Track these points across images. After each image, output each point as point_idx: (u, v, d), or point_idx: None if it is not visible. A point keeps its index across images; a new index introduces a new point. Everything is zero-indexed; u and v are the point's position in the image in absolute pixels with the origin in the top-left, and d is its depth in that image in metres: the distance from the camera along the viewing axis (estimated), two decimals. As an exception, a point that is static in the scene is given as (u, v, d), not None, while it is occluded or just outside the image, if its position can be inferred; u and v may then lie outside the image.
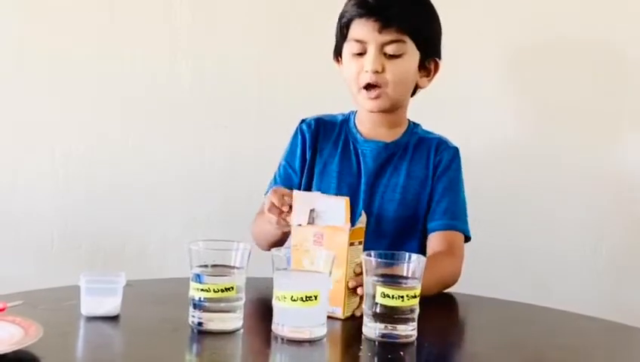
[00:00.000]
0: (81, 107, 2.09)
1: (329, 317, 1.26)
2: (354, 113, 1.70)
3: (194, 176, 2.11)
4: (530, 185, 2.10)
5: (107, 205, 2.10)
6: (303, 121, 1.71)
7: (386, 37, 1.55)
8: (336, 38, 1.66)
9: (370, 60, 1.56)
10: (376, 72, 1.56)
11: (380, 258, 1.21)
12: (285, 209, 1.36)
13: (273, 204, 1.38)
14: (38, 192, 2.09)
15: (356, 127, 1.67)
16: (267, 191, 1.66)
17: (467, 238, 1.61)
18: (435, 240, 1.59)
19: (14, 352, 1.02)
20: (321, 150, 1.67)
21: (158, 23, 2.09)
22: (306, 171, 1.67)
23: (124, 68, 2.09)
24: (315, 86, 2.06)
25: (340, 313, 1.28)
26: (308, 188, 1.66)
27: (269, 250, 1.55)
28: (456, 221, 1.61)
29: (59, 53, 2.07)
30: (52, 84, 2.08)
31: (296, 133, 1.70)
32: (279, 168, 1.71)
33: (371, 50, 1.56)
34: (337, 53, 1.66)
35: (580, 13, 2.04)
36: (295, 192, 1.35)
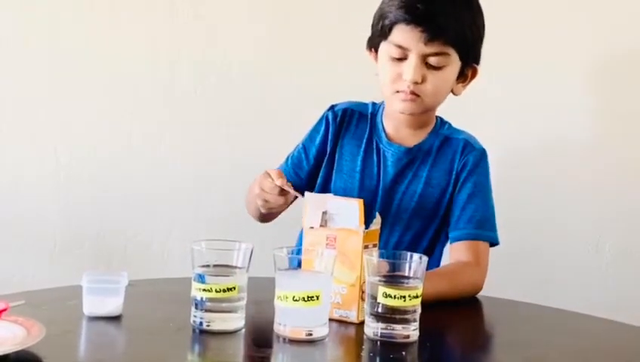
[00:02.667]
0: (83, 107, 2.09)
1: (342, 322, 1.26)
2: (383, 106, 1.64)
3: (196, 176, 2.12)
4: (531, 183, 2.09)
5: (109, 205, 2.10)
6: (331, 107, 1.66)
7: (431, 48, 1.48)
8: (373, 32, 1.57)
9: (410, 70, 1.49)
10: (415, 83, 1.50)
11: (382, 258, 1.21)
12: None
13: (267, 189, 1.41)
14: (40, 192, 2.09)
15: (382, 124, 1.62)
16: (278, 168, 1.63)
17: (496, 243, 1.57)
18: (459, 250, 1.54)
19: (17, 352, 1.02)
20: (343, 145, 1.63)
21: (160, 23, 2.09)
22: (325, 163, 1.63)
23: (126, 68, 2.09)
24: (317, 85, 2.06)
25: (354, 317, 1.26)
26: (326, 183, 1.63)
27: (262, 221, 1.61)
28: (482, 230, 1.55)
29: (60, 53, 2.08)
30: (54, 85, 2.08)
31: (321, 120, 1.66)
32: (295, 150, 1.67)
33: (413, 58, 1.49)
34: (372, 46, 1.58)
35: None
36: (307, 194, 1.34)
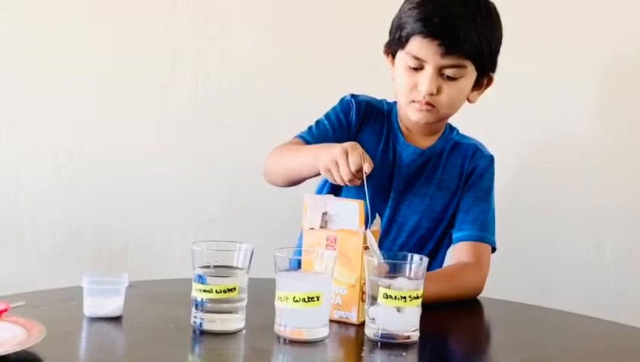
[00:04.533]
0: (83, 107, 2.09)
1: (342, 323, 1.26)
2: (396, 105, 1.63)
3: (197, 177, 2.11)
4: (532, 184, 2.09)
5: (110, 206, 2.10)
6: (353, 95, 1.63)
7: (448, 61, 1.48)
8: (391, 39, 1.56)
9: (426, 82, 1.49)
10: (430, 94, 1.50)
11: (383, 259, 1.21)
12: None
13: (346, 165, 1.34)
14: (41, 193, 2.09)
15: (398, 124, 1.62)
16: (302, 135, 1.60)
17: (494, 249, 1.57)
18: (462, 250, 1.54)
19: (17, 353, 1.02)
20: (361, 138, 1.60)
21: (161, 23, 2.09)
22: None
23: (127, 68, 2.09)
24: (318, 85, 2.06)
25: (354, 318, 1.26)
26: None
27: (284, 185, 1.57)
28: (485, 232, 1.56)
29: (62, 53, 2.08)
30: (54, 85, 2.08)
31: (345, 104, 1.62)
32: (318, 123, 1.62)
33: (429, 70, 1.49)
34: (389, 51, 1.57)
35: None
36: (306, 195, 1.34)
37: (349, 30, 2.06)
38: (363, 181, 1.34)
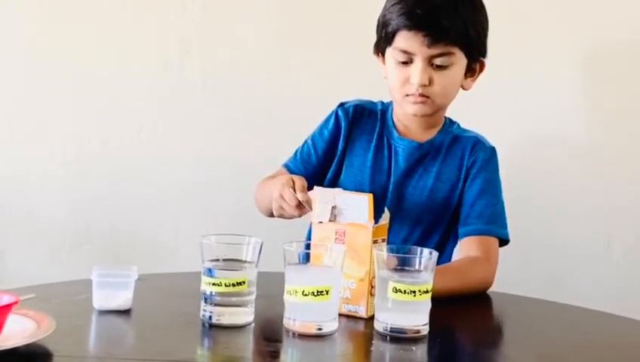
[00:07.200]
0: (92, 104, 2.10)
1: (351, 316, 1.26)
2: (392, 104, 1.65)
3: (205, 171, 2.12)
4: (542, 180, 2.09)
5: (119, 201, 2.11)
6: (341, 104, 1.67)
7: (435, 50, 1.50)
8: (378, 38, 1.59)
9: (417, 74, 1.51)
10: (423, 85, 1.52)
11: (392, 252, 1.21)
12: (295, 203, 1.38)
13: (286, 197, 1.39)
14: (50, 189, 2.10)
15: (393, 121, 1.64)
16: (287, 163, 1.67)
17: (506, 241, 1.57)
18: (468, 246, 1.54)
19: (27, 345, 1.03)
20: (354, 140, 1.64)
21: (169, 20, 2.09)
22: (336, 159, 1.64)
23: (136, 64, 2.09)
24: (326, 83, 2.06)
25: (363, 312, 1.26)
26: (336, 177, 1.64)
27: (270, 217, 1.58)
28: (492, 225, 1.55)
29: (70, 50, 2.08)
30: (63, 81, 2.09)
31: (330, 116, 1.66)
32: (304, 145, 1.68)
33: (419, 62, 1.51)
34: (378, 51, 1.60)
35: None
36: (316, 188, 1.34)
37: (359, 28, 2.04)
38: (308, 209, 1.36)
